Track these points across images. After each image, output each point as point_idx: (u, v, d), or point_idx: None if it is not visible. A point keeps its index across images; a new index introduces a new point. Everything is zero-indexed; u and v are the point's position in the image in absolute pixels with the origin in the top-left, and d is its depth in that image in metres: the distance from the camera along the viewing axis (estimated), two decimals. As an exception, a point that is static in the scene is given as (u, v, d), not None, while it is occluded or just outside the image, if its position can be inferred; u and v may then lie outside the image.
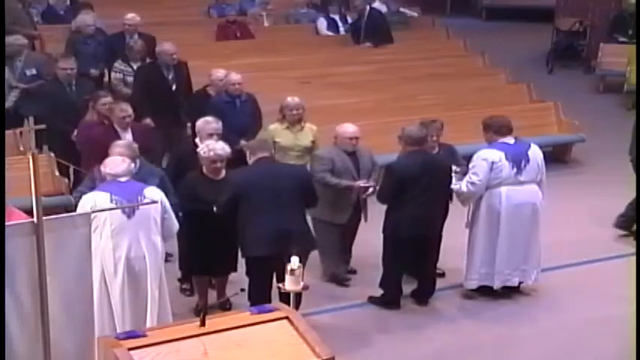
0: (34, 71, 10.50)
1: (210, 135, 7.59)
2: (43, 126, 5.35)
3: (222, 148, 7.21)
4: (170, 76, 10.20)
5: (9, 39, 10.88)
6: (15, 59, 10.47)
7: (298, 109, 8.61)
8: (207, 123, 7.75)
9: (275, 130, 8.61)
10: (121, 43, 11.32)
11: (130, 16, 11.69)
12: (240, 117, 9.16)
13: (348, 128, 7.95)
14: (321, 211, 7.79)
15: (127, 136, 8.22)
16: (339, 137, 7.92)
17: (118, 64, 10.75)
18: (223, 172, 7.21)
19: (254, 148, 7.22)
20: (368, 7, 14.16)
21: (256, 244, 6.88)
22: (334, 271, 8.15)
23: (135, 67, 10.62)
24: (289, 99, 8.68)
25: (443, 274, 8.15)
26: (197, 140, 7.70)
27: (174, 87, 10.20)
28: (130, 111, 8.41)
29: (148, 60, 10.74)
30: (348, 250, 8.25)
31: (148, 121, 9.61)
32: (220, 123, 7.81)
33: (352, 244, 8.23)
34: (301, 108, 8.64)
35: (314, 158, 8.08)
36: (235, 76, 9.53)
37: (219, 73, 9.79)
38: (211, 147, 7.19)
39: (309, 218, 7.54)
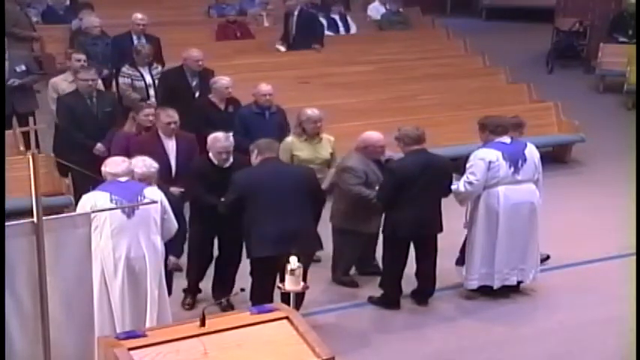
0: (23, 67, 10.44)
1: (220, 153, 7.31)
2: (43, 125, 5.34)
3: (143, 165, 6.72)
4: (194, 83, 9.95)
5: None
6: None
7: (320, 122, 8.27)
8: (216, 141, 7.35)
9: (293, 144, 8.26)
10: (128, 44, 11.14)
11: (139, 16, 11.44)
12: (269, 129, 8.53)
13: (374, 136, 7.77)
14: (352, 222, 7.74)
15: (171, 144, 7.99)
16: (370, 147, 7.72)
17: (126, 69, 10.45)
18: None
19: (262, 147, 7.07)
20: (299, 7, 13.43)
21: (262, 245, 6.86)
22: (346, 279, 8.13)
23: (142, 71, 10.37)
24: (309, 112, 8.31)
25: (547, 257, 8.39)
26: (210, 155, 7.42)
27: (197, 94, 9.91)
28: (176, 117, 8.00)
29: (154, 63, 10.57)
30: (373, 254, 8.24)
31: None
32: (231, 140, 7.39)
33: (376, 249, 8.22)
34: (321, 120, 8.31)
35: (346, 171, 7.73)
36: (265, 87, 9.14)
37: (224, 80, 9.39)
38: (135, 161, 6.79)
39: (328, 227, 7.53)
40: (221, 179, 7.18)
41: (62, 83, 9.81)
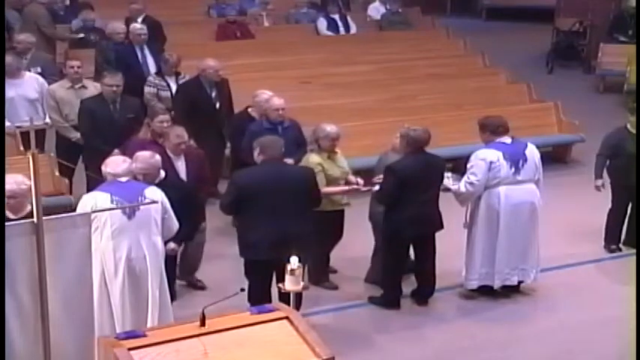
0: (38, 70, 10.35)
1: (138, 174, 6.88)
2: (43, 126, 5.34)
3: (14, 182, 5.97)
4: (213, 94, 9.72)
5: (20, 36, 10.87)
6: (22, 56, 10.36)
7: (337, 139, 7.77)
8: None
9: (324, 165, 7.69)
10: (132, 55, 10.87)
11: (138, 26, 11.09)
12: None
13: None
14: None
15: (180, 163, 7.73)
16: (396, 147, 7.74)
17: (152, 78, 10.22)
18: (26, 208, 5.95)
19: (265, 146, 6.99)
20: (144, 14, 12.63)
21: (258, 248, 6.83)
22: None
23: (169, 80, 10.15)
24: (328, 128, 7.72)
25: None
26: None
27: (217, 105, 9.75)
28: (186, 137, 7.76)
29: (181, 73, 10.30)
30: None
31: (190, 142, 8.58)
32: (151, 162, 6.92)
33: None
34: (339, 137, 7.79)
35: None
36: (278, 101, 8.67)
37: (265, 95, 8.90)
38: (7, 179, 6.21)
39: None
40: None
41: (59, 90, 9.55)
